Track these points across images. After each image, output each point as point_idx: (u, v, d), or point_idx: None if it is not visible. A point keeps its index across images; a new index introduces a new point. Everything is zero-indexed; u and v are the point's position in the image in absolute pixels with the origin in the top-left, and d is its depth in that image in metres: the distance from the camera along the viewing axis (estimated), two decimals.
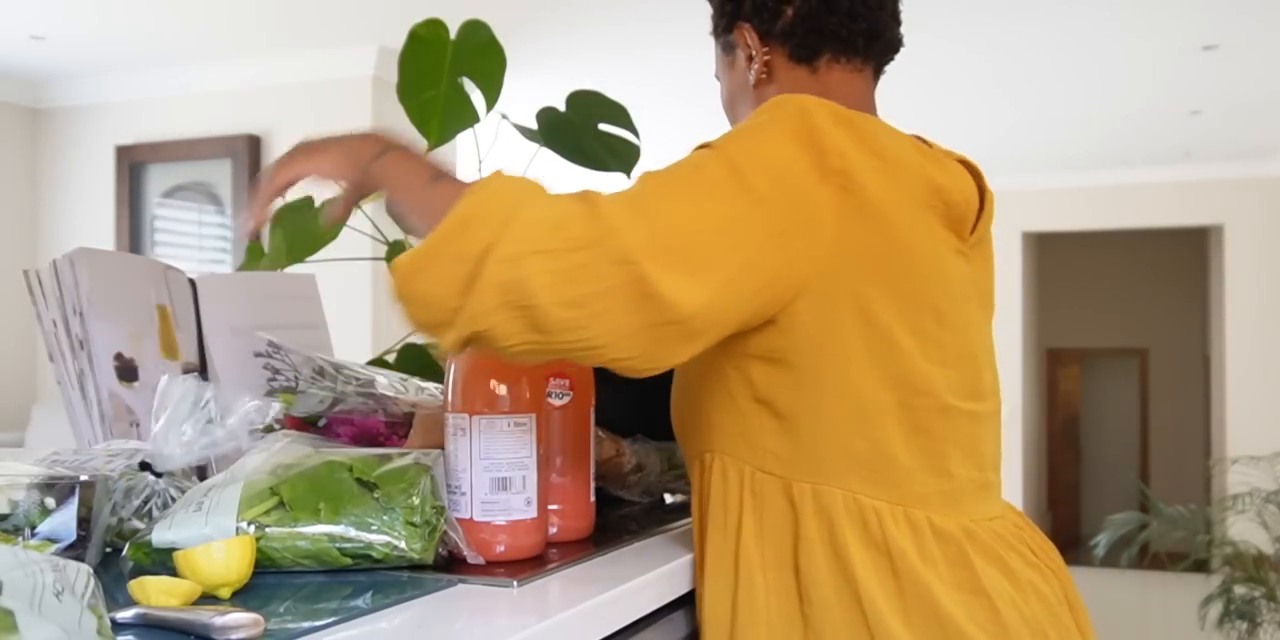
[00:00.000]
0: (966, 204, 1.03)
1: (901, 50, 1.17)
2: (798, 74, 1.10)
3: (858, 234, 0.93)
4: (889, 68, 1.17)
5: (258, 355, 1.23)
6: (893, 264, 0.96)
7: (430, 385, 1.22)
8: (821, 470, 0.96)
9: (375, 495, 0.91)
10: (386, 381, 1.16)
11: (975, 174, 1.11)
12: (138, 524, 0.96)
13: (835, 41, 1.09)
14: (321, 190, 1.02)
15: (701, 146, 0.95)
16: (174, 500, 1.00)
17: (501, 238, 0.81)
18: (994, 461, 1.09)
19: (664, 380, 1.31)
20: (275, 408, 1.12)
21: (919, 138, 1.08)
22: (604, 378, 1.23)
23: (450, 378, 0.98)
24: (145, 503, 0.98)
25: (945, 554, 0.96)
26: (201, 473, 1.17)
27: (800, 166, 0.92)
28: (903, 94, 4.45)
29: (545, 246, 0.81)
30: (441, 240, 0.83)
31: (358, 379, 1.15)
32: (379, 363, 1.70)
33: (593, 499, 1.10)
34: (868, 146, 0.94)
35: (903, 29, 1.16)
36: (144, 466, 1.00)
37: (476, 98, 1.66)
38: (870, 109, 1.12)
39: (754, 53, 1.11)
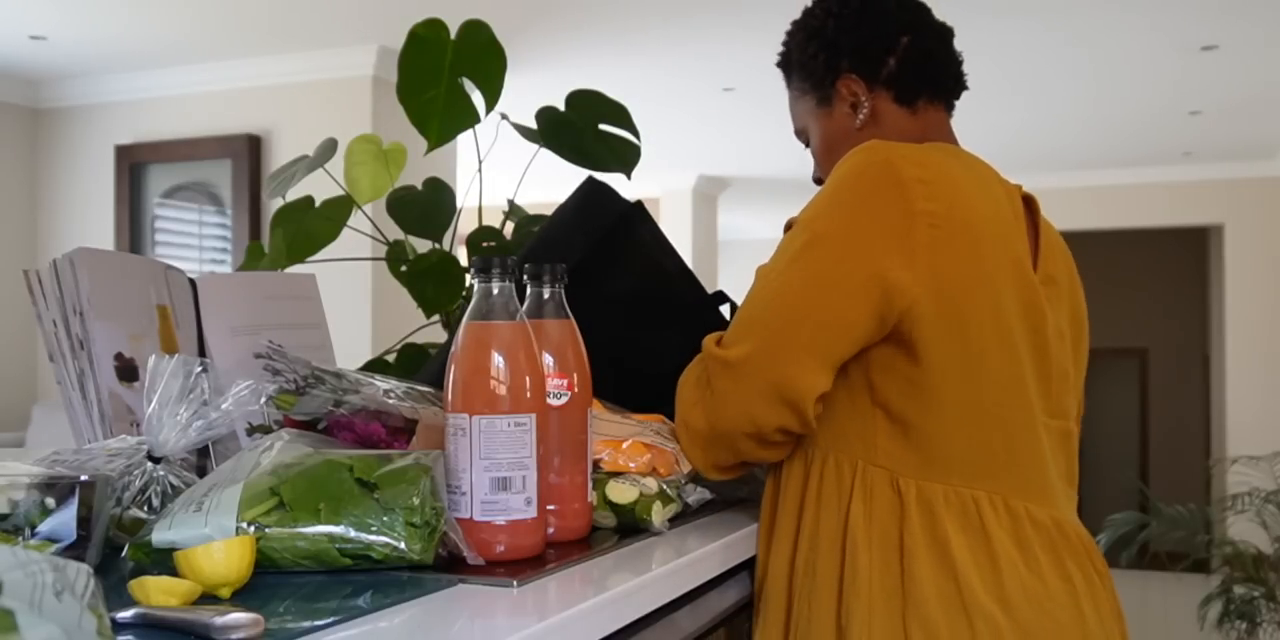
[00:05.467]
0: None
1: None
2: (900, 115, 1.26)
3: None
4: None
5: (258, 356, 1.23)
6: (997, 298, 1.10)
7: (432, 390, 1.21)
8: (928, 469, 1.10)
9: (375, 496, 0.91)
10: (385, 392, 1.15)
11: (1031, 208, 1.23)
12: (138, 513, 0.97)
13: (932, 85, 1.26)
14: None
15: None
16: (172, 488, 0.99)
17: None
18: (1072, 477, 1.23)
19: (672, 367, 1.32)
20: (270, 389, 1.11)
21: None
22: (615, 365, 1.23)
23: (450, 378, 0.98)
24: (144, 491, 0.98)
25: (1038, 539, 1.10)
26: (200, 461, 1.17)
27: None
28: None
29: (688, 402, 1.17)
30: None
31: (358, 391, 1.14)
32: (379, 363, 1.70)
33: (590, 499, 1.10)
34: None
35: None
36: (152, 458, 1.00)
37: (476, 98, 1.66)
38: (955, 140, 1.28)
39: (863, 99, 1.26)
